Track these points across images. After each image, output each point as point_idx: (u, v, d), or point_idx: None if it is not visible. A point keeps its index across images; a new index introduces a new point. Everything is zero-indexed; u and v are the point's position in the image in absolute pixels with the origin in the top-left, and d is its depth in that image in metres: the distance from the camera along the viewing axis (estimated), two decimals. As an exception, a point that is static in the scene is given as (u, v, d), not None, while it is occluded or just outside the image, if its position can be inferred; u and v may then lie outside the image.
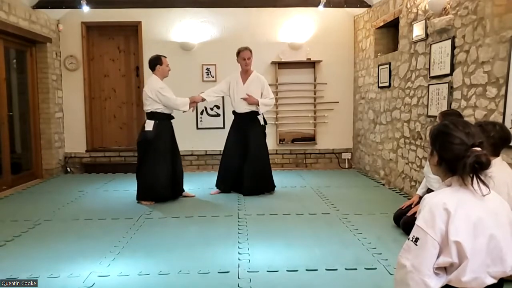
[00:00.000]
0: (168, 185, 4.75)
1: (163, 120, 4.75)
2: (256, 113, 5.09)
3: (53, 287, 2.64)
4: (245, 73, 5.10)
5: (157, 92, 4.63)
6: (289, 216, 4.18)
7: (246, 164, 5.04)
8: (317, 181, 5.93)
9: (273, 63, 6.85)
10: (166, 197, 4.77)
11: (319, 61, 6.86)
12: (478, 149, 1.47)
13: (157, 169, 4.66)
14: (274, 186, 5.24)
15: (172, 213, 4.32)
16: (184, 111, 4.90)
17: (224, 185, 5.21)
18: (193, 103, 4.93)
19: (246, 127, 5.09)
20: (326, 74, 6.92)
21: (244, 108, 5.07)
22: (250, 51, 5.03)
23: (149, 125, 4.68)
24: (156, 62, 4.75)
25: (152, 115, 4.72)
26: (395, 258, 1.59)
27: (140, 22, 6.73)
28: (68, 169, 6.81)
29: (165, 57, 4.83)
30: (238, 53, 5.06)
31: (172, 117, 4.89)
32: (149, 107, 4.71)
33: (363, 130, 6.54)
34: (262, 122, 5.19)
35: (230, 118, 6.81)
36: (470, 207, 1.45)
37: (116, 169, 6.78)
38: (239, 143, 5.09)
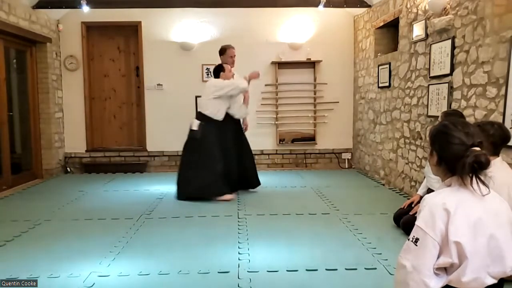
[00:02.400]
0: (212, 182, 4.76)
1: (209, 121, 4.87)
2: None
3: (53, 287, 2.64)
4: (230, 72, 5.08)
5: (223, 89, 4.77)
6: (289, 216, 4.18)
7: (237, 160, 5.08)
8: (317, 181, 5.93)
9: (273, 63, 6.85)
10: (212, 193, 4.80)
11: (319, 61, 6.86)
12: (478, 149, 1.47)
13: (205, 167, 4.74)
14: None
15: (172, 213, 4.32)
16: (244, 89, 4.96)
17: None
18: (251, 79, 5.00)
19: (233, 124, 5.13)
20: (326, 74, 6.92)
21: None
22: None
23: (195, 124, 4.85)
24: (219, 69, 4.94)
25: (201, 116, 4.90)
26: (395, 258, 1.59)
27: (140, 22, 6.73)
28: (68, 169, 6.81)
29: (225, 63, 5.01)
30: (223, 51, 5.07)
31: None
32: (203, 108, 4.89)
33: (363, 130, 6.54)
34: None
35: (230, 118, 6.85)
36: (470, 207, 1.45)
37: (116, 169, 6.79)
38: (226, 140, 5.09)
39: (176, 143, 6.88)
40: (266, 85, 6.87)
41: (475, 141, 1.49)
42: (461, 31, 3.80)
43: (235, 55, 5.09)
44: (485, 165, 1.45)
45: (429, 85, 4.38)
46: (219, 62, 6.66)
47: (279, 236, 3.55)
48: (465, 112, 3.67)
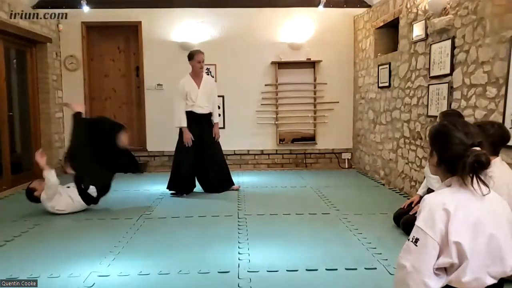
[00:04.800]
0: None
1: None
2: (210, 114, 5.26)
3: (53, 287, 2.65)
4: (198, 76, 5.15)
5: None
6: (289, 216, 4.18)
7: (208, 163, 5.17)
8: (317, 181, 5.93)
9: (273, 63, 6.85)
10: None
11: (319, 61, 6.86)
12: (478, 148, 1.47)
13: None
14: (233, 183, 5.38)
15: (172, 213, 4.32)
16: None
17: (180, 186, 5.20)
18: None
19: (203, 127, 5.18)
20: (326, 74, 6.91)
21: (206, 109, 5.17)
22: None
23: None
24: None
25: None
26: (395, 258, 1.60)
27: (140, 22, 6.73)
28: (68, 169, 6.80)
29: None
30: (191, 56, 5.11)
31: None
32: None
33: (363, 130, 6.54)
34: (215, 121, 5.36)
35: (230, 118, 6.84)
36: (469, 207, 1.45)
37: (116, 169, 6.77)
38: (195, 143, 5.12)
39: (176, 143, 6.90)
40: (266, 85, 6.87)
41: (475, 141, 1.48)
42: (461, 31, 3.80)
43: (203, 60, 5.13)
44: (485, 164, 1.45)
45: (429, 85, 4.38)
46: (221, 62, 6.72)
47: (279, 236, 3.55)
48: (465, 112, 3.67)
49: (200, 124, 5.16)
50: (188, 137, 5.05)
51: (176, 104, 5.14)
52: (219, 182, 5.25)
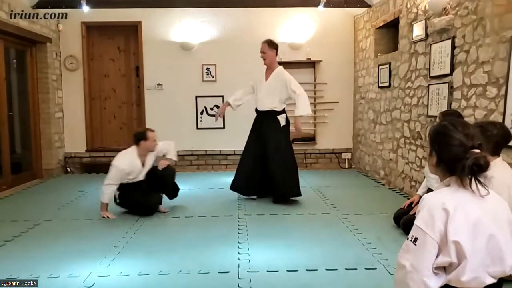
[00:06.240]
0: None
1: None
2: (276, 113, 4.76)
3: (53, 287, 2.65)
4: (269, 69, 4.79)
5: None
6: (289, 216, 4.18)
7: (270, 165, 4.67)
8: (317, 181, 5.93)
9: (273, 63, 6.84)
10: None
11: (319, 61, 6.86)
12: (477, 151, 1.46)
13: None
14: (299, 191, 4.68)
15: (172, 213, 4.32)
16: None
17: (247, 188, 4.87)
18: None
19: (265, 125, 4.77)
20: (326, 74, 6.91)
21: (266, 105, 4.77)
22: (268, 43, 4.72)
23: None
24: (140, 137, 4.28)
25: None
26: (395, 258, 1.59)
27: (140, 22, 6.73)
28: (68, 169, 6.81)
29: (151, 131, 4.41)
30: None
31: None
32: None
33: (363, 130, 6.54)
34: (283, 123, 4.81)
35: (230, 118, 6.83)
36: (469, 207, 1.45)
37: (116, 169, 6.78)
38: (257, 142, 4.82)
39: (176, 143, 6.89)
40: (266, 85, 6.86)
41: (475, 143, 1.48)
42: (461, 31, 3.80)
43: (263, 52, 4.72)
44: (484, 167, 1.45)
45: (429, 85, 4.38)
46: (221, 62, 6.66)
47: (279, 236, 3.55)
48: (465, 112, 3.67)
49: (259, 122, 4.84)
50: (222, 110, 5.09)
51: None
52: (285, 187, 4.61)
